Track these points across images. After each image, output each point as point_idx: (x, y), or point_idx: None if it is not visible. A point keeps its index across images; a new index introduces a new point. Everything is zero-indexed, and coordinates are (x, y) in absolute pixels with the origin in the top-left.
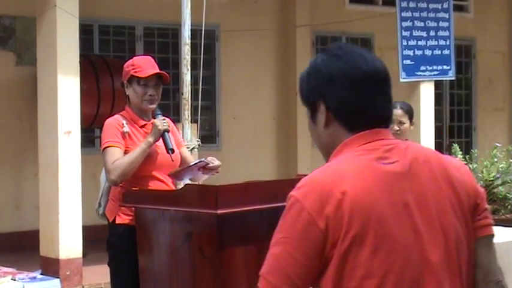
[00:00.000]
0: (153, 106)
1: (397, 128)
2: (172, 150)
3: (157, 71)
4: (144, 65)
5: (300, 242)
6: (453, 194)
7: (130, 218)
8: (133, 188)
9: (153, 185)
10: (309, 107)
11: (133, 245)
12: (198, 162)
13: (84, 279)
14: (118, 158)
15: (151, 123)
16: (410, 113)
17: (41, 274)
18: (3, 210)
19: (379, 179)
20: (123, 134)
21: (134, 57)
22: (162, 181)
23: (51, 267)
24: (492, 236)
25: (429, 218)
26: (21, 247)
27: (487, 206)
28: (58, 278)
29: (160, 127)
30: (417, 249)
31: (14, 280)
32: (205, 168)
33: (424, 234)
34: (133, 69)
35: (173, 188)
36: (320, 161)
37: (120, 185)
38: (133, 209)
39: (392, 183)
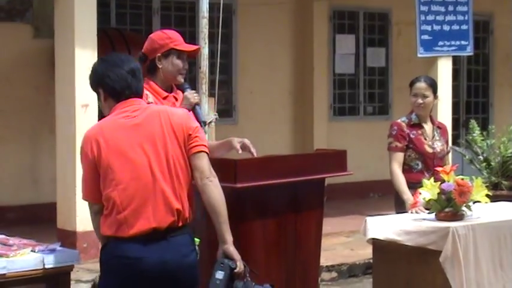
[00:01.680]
0: (183, 78)
1: (421, 101)
2: (205, 123)
3: (197, 46)
4: (181, 39)
5: (86, 165)
6: (173, 131)
7: None
8: None
9: None
10: (96, 93)
11: None
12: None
13: None
14: None
15: (173, 96)
16: (434, 86)
17: (60, 246)
18: (20, 183)
19: (122, 129)
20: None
21: (164, 30)
22: None
23: (68, 239)
24: (201, 151)
25: (155, 148)
26: (39, 219)
27: (198, 135)
28: (77, 250)
29: (192, 100)
30: (147, 166)
31: (34, 252)
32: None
33: (151, 157)
34: (171, 42)
35: None
36: (337, 135)
37: None
38: None
39: (130, 130)
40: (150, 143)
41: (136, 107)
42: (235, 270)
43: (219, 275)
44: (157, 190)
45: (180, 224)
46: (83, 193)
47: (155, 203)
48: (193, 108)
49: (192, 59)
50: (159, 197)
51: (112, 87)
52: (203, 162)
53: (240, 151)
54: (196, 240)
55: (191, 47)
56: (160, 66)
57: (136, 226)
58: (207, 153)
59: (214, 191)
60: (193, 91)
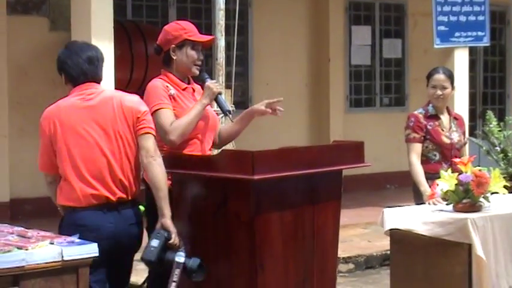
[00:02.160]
0: (199, 70)
1: (440, 93)
2: (230, 112)
3: (211, 36)
4: (195, 30)
5: (43, 141)
6: (123, 114)
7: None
8: (175, 150)
9: (193, 147)
10: (61, 76)
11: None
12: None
13: None
14: (173, 119)
15: (191, 87)
16: (451, 77)
17: (79, 238)
18: (38, 176)
19: (77, 109)
20: (171, 96)
21: (178, 21)
22: (203, 143)
23: None
24: (147, 133)
25: (106, 128)
26: (56, 212)
27: (146, 118)
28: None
29: (214, 89)
30: (98, 144)
31: (52, 244)
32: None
33: (102, 136)
34: (185, 33)
35: (209, 152)
36: (353, 126)
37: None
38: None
39: (84, 111)
40: (102, 123)
41: (93, 91)
42: (170, 241)
43: (154, 243)
44: (107, 166)
45: (130, 197)
46: (39, 165)
47: (105, 177)
48: (216, 97)
49: (206, 49)
50: (109, 172)
51: (69, 73)
52: (148, 143)
53: (269, 111)
54: (141, 207)
55: (205, 37)
56: (174, 58)
57: (90, 198)
58: (153, 135)
59: (157, 169)
60: (214, 81)
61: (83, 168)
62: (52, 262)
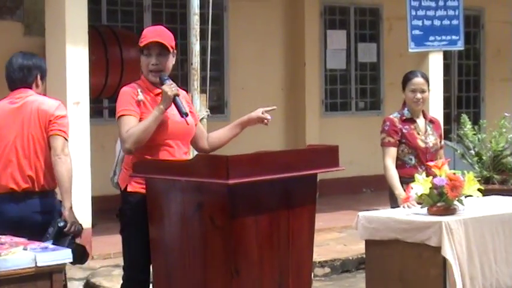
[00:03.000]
0: (157, 76)
1: (420, 96)
2: (187, 114)
3: (155, 39)
4: (148, 34)
5: None
6: (38, 117)
7: (142, 185)
8: (146, 157)
9: (165, 154)
10: None
11: (144, 213)
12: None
13: (94, 249)
14: (132, 126)
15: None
16: (428, 81)
17: (53, 244)
18: None
19: (5, 110)
20: (138, 102)
21: (148, 28)
22: (174, 148)
23: None
24: (56, 134)
25: (22, 128)
26: None
27: (57, 122)
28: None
29: (169, 93)
30: (12, 141)
31: (26, 250)
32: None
33: (17, 135)
34: (140, 39)
35: (185, 156)
36: (329, 130)
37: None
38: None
39: (9, 112)
40: (20, 123)
41: (21, 95)
42: (65, 230)
43: (50, 230)
44: (17, 161)
45: (37, 189)
46: None
47: (13, 170)
48: (174, 100)
49: (163, 54)
50: (16, 166)
51: (6, 79)
52: (56, 143)
53: (267, 119)
54: None
55: (144, 42)
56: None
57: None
58: (62, 136)
59: (62, 166)
60: (170, 83)
61: None
62: (25, 268)
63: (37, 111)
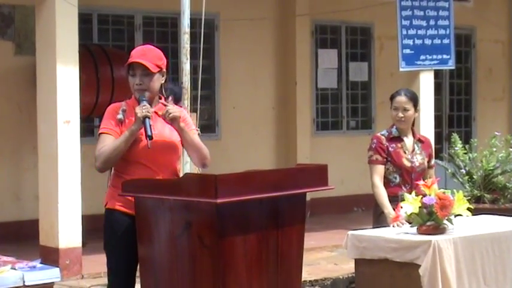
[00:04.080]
0: (143, 94)
1: (401, 115)
2: (151, 137)
3: (135, 59)
4: (134, 54)
5: None
6: None
7: (120, 203)
8: (123, 175)
9: (141, 172)
10: None
11: (122, 229)
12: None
13: (84, 268)
14: (106, 145)
15: (154, 111)
16: (414, 99)
17: (41, 263)
18: (3, 200)
19: None
20: (118, 121)
21: (137, 48)
22: (151, 168)
23: (50, 256)
24: None
25: None
26: (21, 236)
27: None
28: (58, 267)
29: (139, 114)
30: None
31: (14, 269)
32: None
33: None
34: (128, 59)
35: (163, 176)
36: (320, 149)
37: (116, 170)
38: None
39: None
40: None
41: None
42: None
43: None
44: None
45: None
46: None
47: None
48: (143, 122)
49: (146, 74)
50: None
51: None
52: None
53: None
54: None
55: (129, 61)
56: None
57: None
58: None
59: None
60: (143, 104)
61: None
62: (13, 287)
63: None
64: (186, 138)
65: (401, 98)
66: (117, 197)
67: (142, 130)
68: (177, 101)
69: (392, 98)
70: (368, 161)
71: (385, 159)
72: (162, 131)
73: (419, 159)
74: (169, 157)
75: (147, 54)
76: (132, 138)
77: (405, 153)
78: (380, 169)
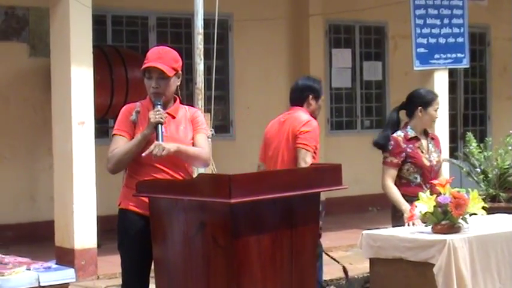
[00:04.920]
0: (158, 98)
1: (437, 116)
2: None
3: (151, 63)
4: (150, 56)
5: None
6: (291, 129)
7: (133, 203)
8: (135, 176)
9: (155, 174)
10: None
11: (134, 229)
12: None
13: (99, 269)
14: (118, 146)
15: (167, 112)
16: None
17: (56, 264)
18: (18, 201)
19: (275, 122)
20: (132, 122)
21: (152, 49)
22: (163, 170)
23: (66, 257)
24: (301, 148)
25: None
26: (36, 237)
27: (302, 136)
28: (73, 267)
29: (152, 120)
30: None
31: (29, 270)
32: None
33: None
34: (145, 61)
35: (178, 177)
36: (334, 149)
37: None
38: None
39: (279, 124)
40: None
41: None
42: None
43: None
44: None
45: None
46: None
47: None
48: (156, 127)
49: (163, 77)
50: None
51: None
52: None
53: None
54: None
55: (144, 66)
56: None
57: None
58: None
59: None
60: (157, 110)
61: None
62: None
63: (289, 126)
64: (182, 157)
65: (438, 100)
66: (130, 197)
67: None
68: (317, 98)
69: (432, 99)
70: (382, 162)
71: (400, 162)
72: (175, 132)
73: (435, 157)
74: (176, 161)
75: (163, 57)
76: (145, 141)
77: (423, 152)
78: (393, 172)
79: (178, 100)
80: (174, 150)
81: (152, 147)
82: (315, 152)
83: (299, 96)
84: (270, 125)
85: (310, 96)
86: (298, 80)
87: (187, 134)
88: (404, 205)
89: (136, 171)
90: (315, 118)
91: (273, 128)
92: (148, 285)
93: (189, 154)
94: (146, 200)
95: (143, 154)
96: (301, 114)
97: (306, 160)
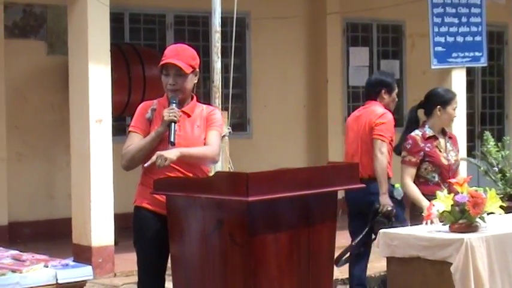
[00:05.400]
0: (175, 95)
1: (455, 115)
2: (173, 143)
3: (169, 60)
4: (168, 53)
5: None
6: (367, 122)
7: (147, 201)
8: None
9: (168, 173)
10: None
11: (149, 227)
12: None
13: (116, 266)
14: (133, 143)
15: (182, 110)
16: None
17: (73, 261)
18: (36, 199)
19: (351, 118)
20: (147, 120)
21: (170, 46)
22: (178, 170)
23: (83, 254)
24: (377, 138)
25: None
26: (54, 235)
27: (378, 128)
28: (90, 265)
29: (165, 118)
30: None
31: (47, 267)
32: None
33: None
34: (162, 58)
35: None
36: None
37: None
38: (149, 192)
39: (355, 119)
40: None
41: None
42: (379, 211)
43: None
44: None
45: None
46: None
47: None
48: (169, 125)
49: (180, 74)
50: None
51: None
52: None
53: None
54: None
55: (162, 62)
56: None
57: None
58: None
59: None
60: (171, 108)
61: None
62: (46, 285)
63: (367, 118)
64: (187, 161)
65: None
66: (145, 195)
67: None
68: (390, 92)
69: (451, 98)
70: (401, 161)
71: (418, 161)
72: (190, 131)
73: (453, 156)
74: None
75: (181, 54)
76: (158, 139)
77: (441, 151)
78: (412, 171)
79: (195, 98)
80: (176, 157)
81: (154, 157)
82: (390, 143)
83: (372, 91)
84: (348, 119)
85: (383, 91)
86: (372, 76)
87: (202, 133)
88: (424, 201)
89: (151, 169)
90: (390, 111)
91: (349, 124)
92: (164, 283)
93: (193, 156)
94: (161, 198)
95: (145, 165)
96: (376, 108)
97: (382, 150)
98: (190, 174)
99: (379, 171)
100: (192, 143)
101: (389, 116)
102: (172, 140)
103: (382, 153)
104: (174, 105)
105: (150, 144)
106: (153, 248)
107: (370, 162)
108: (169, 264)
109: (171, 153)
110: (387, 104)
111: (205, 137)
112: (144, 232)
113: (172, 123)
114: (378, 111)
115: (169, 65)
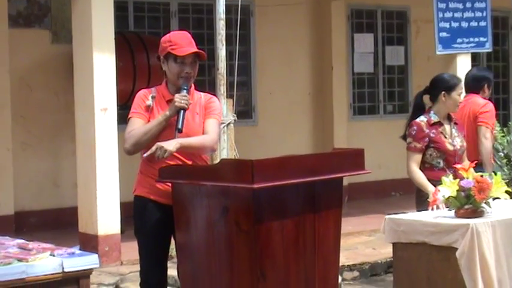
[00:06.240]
0: (187, 83)
1: (461, 100)
2: (180, 130)
3: (195, 49)
4: (181, 42)
5: None
6: (471, 112)
7: (146, 190)
8: (148, 161)
9: (170, 161)
10: None
11: (149, 216)
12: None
13: (123, 255)
14: (136, 128)
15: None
16: None
17: (80, 250)
18: (42, 188)
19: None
20: (147, 107)
21: (171, 33)
22: (179, 158)
23: (89, 243)
24: (482, 125)
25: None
26: (60, 224)
27: (482, 116)
28: (97, 253)
29: (177, 103)
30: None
31: (53, 256)
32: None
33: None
34: (170, 45)
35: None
36: (357, 134)
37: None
38: (149, 181)
39: (460, 109)
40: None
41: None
42: None
43: None
44: None
45: None
46: None
47: None
48: (178, 112)
49: (201, 61)
50: None
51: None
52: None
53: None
54: None
55: (184, 52)
56: (164, 69)
57: None
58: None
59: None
60: (184, 94)
61: None
62: (52, 274)
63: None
64: (187, 150)
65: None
66: (144, 184)
67: (176, 117)
68: (490, 87)
69: (455, 84)
70: (407, 147)
71: (424, 147)
72: (191, 120)
73: (458, 141)
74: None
75: (193, 42)
76: (165, 123)
77: (446, 137)
78: (417, 157)
79: (193, 86)
80: (176, 149)
81: (154, 148)
82: (492, 130)
83: (477, 85)
84: None
85: (486, 85)
86: (474, 71)
87: (201, 120)
88: (430, 186)
89: (150, 158)
90: (491, 101)
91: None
92: (166, 270)
93: (192, 146)
94: (161, 187)
95: (144, 155)
96: (479, 99)
97: (486, 136)
98: (190, 162)
99: (484, 155)
100: (193, 131)
101: (491, 106)
102: (180, 127)
103: (487, 139)
104: (185, 91)
105: (156, 127)
106: (154, 237)
107: (475, 149)
108: (172, 253)
109: (171, 145)
110: (487, 96)
111: (204, 125)
112: (145, 221)
113: (182, 110)
114: (480, 101)
115: (188, 55)
